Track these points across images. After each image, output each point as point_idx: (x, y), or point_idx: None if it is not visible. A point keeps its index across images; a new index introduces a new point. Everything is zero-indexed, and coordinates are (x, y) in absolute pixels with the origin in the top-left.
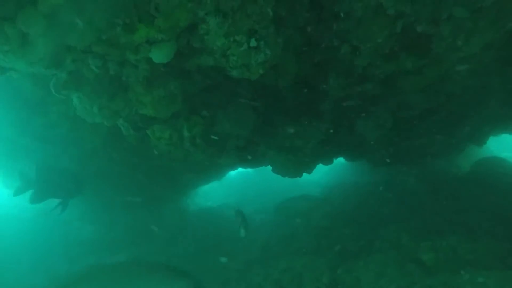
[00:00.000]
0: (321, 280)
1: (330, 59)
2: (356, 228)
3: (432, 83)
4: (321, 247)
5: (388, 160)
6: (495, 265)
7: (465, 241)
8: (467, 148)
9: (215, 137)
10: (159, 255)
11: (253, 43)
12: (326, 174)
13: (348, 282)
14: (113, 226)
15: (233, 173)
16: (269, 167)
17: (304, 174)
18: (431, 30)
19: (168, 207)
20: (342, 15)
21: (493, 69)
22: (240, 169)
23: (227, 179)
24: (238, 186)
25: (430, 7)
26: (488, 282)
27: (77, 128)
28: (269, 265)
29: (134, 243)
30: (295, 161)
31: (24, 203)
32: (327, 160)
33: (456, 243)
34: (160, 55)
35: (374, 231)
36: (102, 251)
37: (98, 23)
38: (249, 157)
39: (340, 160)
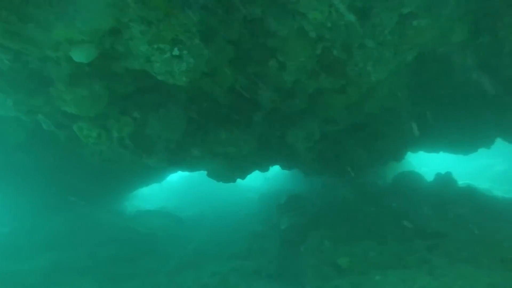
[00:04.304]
0: (245, 284)
1: (261, 72)
2: (286, 233)
3: (354, 102)
4: (251, 252)
5: (318, 170)
6: (394, 265)
7: (375, 245)
8: (390, 162)
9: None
10: (85, 260)
11: (175, 52)
12: (265, 181)
13: None
14: (35, 228)
15: (174, 176)
16: None
17: (246, 180)
18: (345, 55)
19: (102, 209)
20: (270, 32)
21: (404, 94)
22: (181, 173)
23: (168, 182)
24: (179, 189)
25: (345, 35)
26: (383, 279)
27: None
28: (200, 269)
29: (58, 247)
30: (228, 166)
31: None
32: (263, 167)
33: (368, 248)
34: (80, 55)
35: (302, 237)
36: (18, 256)
37: (4, 15)
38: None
39: (277, 168)
